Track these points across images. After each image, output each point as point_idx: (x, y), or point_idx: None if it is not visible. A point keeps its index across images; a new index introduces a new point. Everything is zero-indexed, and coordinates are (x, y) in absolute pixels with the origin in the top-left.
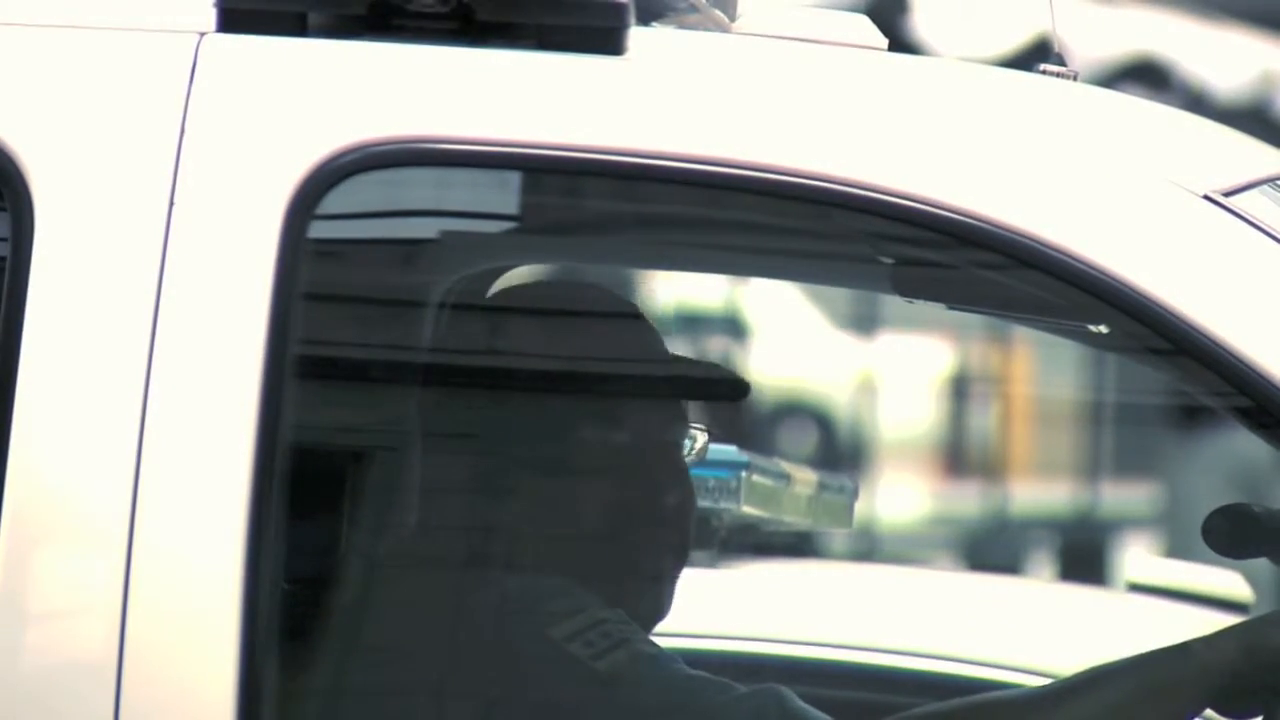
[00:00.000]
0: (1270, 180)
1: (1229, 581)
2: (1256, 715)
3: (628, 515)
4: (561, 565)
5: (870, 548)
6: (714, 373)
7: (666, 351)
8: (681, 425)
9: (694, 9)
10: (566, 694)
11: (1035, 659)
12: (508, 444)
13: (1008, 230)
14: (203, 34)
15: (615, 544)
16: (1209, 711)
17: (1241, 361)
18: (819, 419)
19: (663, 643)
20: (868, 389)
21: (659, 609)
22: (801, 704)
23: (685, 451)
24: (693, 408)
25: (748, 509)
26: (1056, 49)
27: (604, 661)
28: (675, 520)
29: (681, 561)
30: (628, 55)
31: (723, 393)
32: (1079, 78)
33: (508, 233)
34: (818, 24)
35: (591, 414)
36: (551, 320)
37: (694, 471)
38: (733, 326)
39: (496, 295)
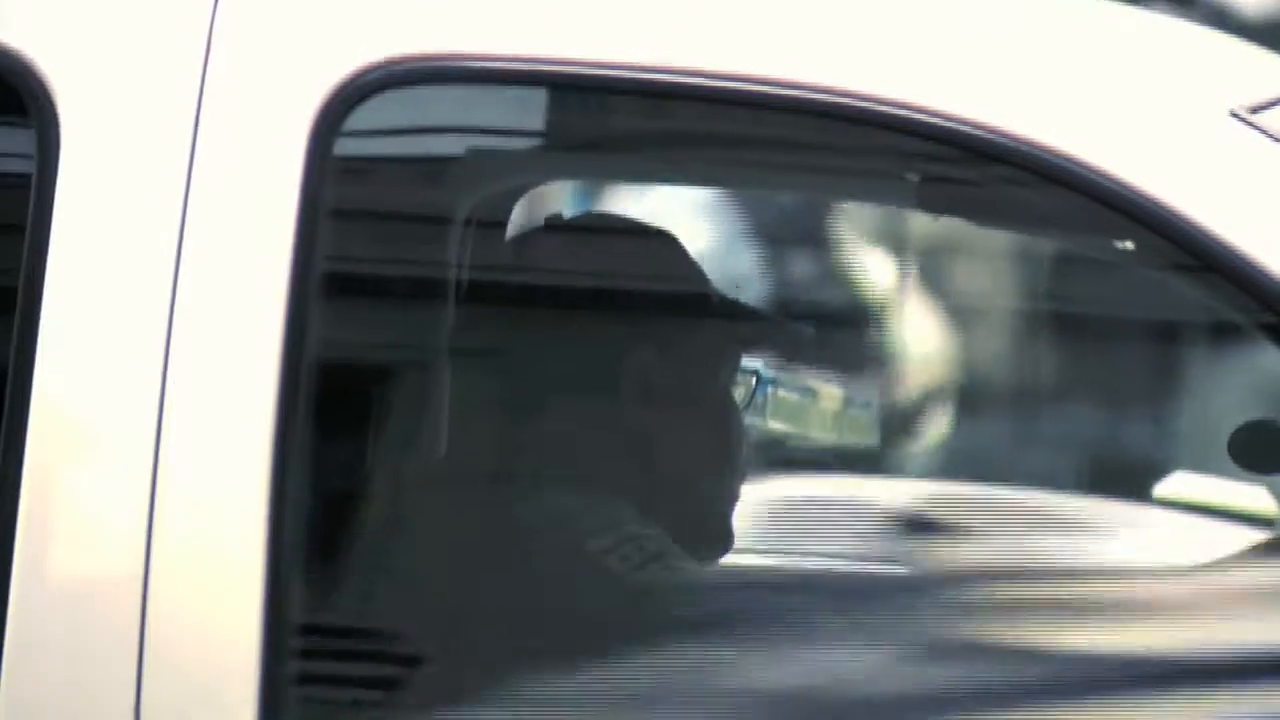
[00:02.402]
0: None
1: (1255, 497)
2: None
3: (659, 440)
4: (595, 485)
5: (892, 463)
6: (764, 318)
7: (704, 280)
8: (719, 353)
9: None
10: (603, 606)
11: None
12: (534, 362)
13: (1032, 146)
14: None
15: (649, 467)
16: None
17: (1269, 278)
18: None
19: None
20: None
21: (709, 537)
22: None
23: (738, 391)
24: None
25: (774, 423)
26: None
27: (640, 575)
28: (714, 447)
29: (727, 494)
30: None
31: (778, 341)
32: None
33: (534, 150)
34: None
35: (621, 335)
36: (585, 241)
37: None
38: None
39: (548, 220)
